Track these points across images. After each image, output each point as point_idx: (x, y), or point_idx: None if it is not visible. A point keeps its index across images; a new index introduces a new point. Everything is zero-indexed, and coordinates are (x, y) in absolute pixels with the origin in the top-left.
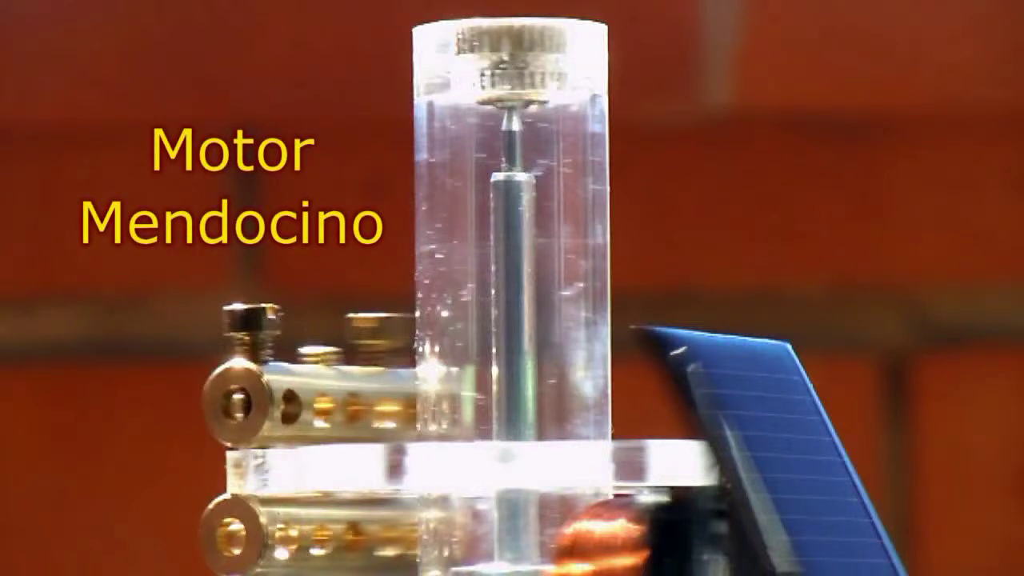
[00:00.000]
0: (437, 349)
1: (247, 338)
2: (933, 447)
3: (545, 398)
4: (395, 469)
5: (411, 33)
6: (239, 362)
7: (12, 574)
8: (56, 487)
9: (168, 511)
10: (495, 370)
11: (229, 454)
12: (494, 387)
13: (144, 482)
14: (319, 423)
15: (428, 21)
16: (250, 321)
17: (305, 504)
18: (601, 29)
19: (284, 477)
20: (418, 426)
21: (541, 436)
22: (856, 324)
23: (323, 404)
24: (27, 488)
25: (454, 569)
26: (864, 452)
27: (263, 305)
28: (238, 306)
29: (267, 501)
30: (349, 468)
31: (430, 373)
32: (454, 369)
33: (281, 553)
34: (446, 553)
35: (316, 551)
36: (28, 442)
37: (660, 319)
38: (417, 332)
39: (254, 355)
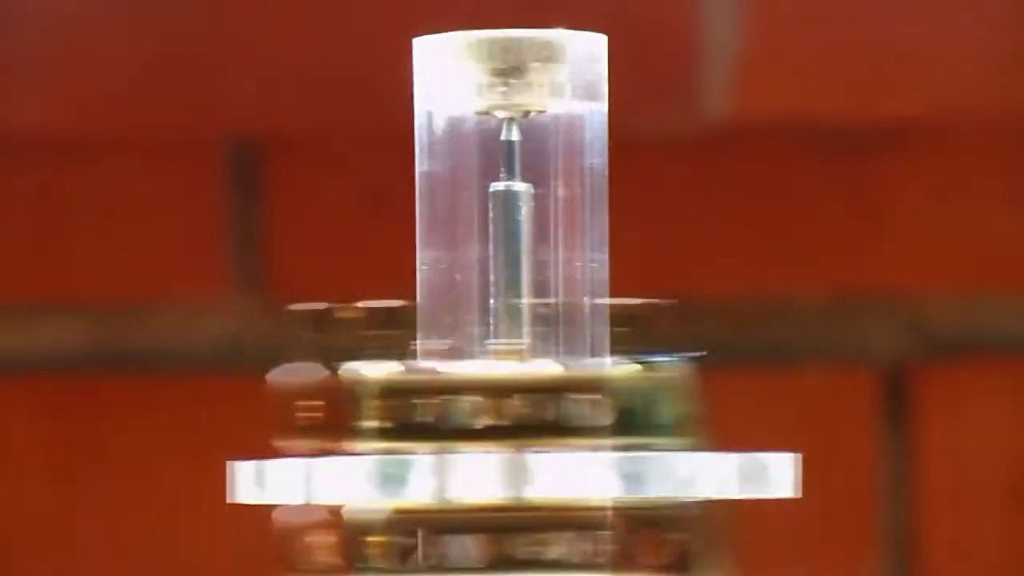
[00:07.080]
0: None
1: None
2: (933, 459)
3: None
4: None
5: (411, 44)
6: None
7: None
8: (56, 498)
9: (168, 523)
10: None
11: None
12: None
13: (145, 494)
14: None
15: (428, 32)
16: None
17: None
18: (601, 39)
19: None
20: None
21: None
22: (856, 335)
23: None
24: (27, 498)
25: None
26: (864, 463)
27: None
28: (380, 303)
29: None
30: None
31: None
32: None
33: None
34: None
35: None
36: (28, 452)
37: (659, 330)
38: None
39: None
